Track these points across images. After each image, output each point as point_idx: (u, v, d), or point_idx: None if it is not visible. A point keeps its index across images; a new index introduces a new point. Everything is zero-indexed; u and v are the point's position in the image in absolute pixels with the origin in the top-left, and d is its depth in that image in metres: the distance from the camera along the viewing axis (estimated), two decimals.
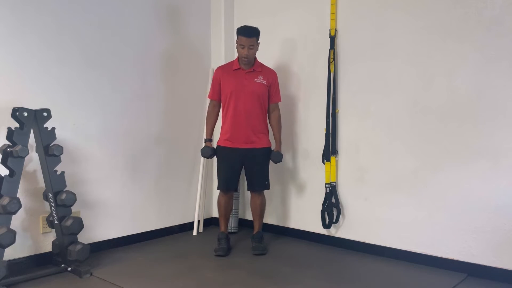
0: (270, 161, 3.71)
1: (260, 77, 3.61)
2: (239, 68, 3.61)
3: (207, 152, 3.69)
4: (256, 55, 3.64)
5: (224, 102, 3.63)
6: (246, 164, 3.64)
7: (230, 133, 3.59)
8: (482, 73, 3.06)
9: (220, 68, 3.71)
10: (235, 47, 3.64)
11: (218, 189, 3.75)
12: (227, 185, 3.69)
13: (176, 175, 4.22)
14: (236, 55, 3.71)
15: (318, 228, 3.86)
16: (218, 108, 3.72)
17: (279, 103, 3.76)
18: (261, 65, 3.70)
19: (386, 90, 3.48)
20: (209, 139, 3.73)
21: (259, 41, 3.59)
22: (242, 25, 3.60)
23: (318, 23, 3.79)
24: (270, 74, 3.69)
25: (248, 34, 3.50)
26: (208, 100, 3.81)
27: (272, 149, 3.72)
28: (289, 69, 4.05)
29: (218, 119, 3.75)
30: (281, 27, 4.08)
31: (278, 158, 3.67)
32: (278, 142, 3.73)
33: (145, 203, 3.99)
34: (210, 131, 3.73)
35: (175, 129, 4.19)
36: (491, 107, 3.03)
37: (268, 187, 3.75)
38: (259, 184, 3.70)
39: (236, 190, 3.84)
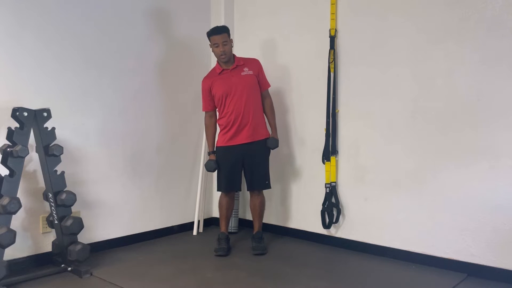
0: (270, 158, 3.71)
1: (246, 69, 3.60)
2: (223, 70, 3.59)
3: (212, 166, 3.66)
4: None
5: (219, 105, 3.61)
6: (246, 160, 3.62)
7: (228, 132, 3.59)
8: (482, 73, 3.05)
9: (206, 78, 3.68)
10: (211, 51, 3.62)
11: (218, 190, 3.74)
12: (230, 185, 3.68)
13: (176, 175, 4.22)
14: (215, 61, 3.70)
15: (318, 228, 3.86)
16: (215, 118, 3.72)
17: (268, 90, 3.77)
18: (242, 58, 3.69)
19: (386, 90, 3.48)
20: (212, 152, 3.70)
21: (231, 38, 3.59)
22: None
23: (318, 23, 3.79)
24: (254, 63, 3.68)
25: (218, 32, 3.51)
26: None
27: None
28: (288, 69, 4.04)
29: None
30: (281, 27, 4.07)
31: (274, 143, 3.66)
32: (274, 128, 3.73)
33: (145, 203, 3.99)
34: (212, 143, 3.71)
35: (175, 129, 4.19)
36: (491, 107, 3.03)
37: (268, 187, 3.74)
38: (259, 183, 3.69)
39: (239, 189, 3.81)
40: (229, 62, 3.59)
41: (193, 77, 4.24)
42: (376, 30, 3.50)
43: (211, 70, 3.72)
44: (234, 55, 3.65)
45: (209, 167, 3.69)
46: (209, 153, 3.74)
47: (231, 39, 3.59)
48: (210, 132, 3.72)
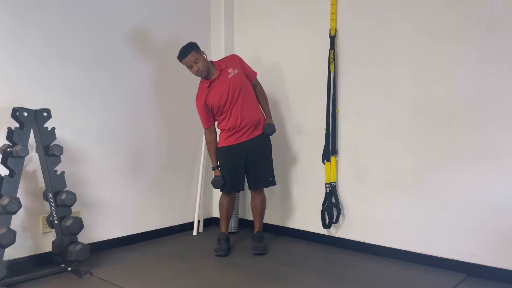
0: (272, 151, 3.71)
1: (230, 70, 3.57)
2: (210, 81, 3.55)
3: (219, 183, 3.61)
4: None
5: (218, 113, 3.60)
6: (249, 157, 3.60)
7: (229, 132, 3.59)
8: (482, 73, 3.05)
9: (198, 96, 3.64)
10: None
11: (221, 190, 3.72)
12: (234, 185, 3.67)
13: (176, 175, 4.22)
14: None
15: (318, 228, 3.86)
16: (215, 134, 3.70)
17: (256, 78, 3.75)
18: (221, 61, 3.66)
19: (386, 90, 3.48)
20: (217, 167, 3.68)
21: (201, 50, 3.51)
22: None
23: (318, 23, 3.79)
24: (234, 60, 3.65)
25: (184, 55, 3.44)
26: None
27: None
28: (288, 69, 4.04)
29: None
30: (281, 27, 4.07)
31: (271, 129, 3.64)
32: (268, 114, 3.73)
33: (145, 203, 3.99)
34: (215, 158, 3.68)
35: (175, 129, 4.19)
36: (491, 107, 3.02)
37: (273, 183, 3.73)
38: (263, 180, 3.68)
39: (242, 189, 3.80)
40: (210, 73, 3.55)
41: (193, 77, 4.24)
42: (376, 30, 3.50)
43: (200, 87, 3.65)
44: (212, 63, 3.60)
45: (216, 184, 3.64)
46: (213, 169, 3.72)
47: (202, 51, 3.51)
48: (211, 148, 3.69)
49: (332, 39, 3.70)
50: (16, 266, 3.14)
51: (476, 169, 3.09)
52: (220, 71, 3.56)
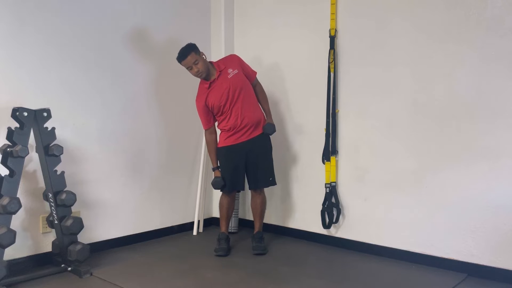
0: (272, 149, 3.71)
1: (230, 70, 3.56)
2: (210, 82, 3.55)
3: (219, 184, 3.61)
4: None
5: (219, 114, 3.59)
6: (249, 157, 3.60)
7: (229, 132, 3.59)
8: (482, 73, 3.05)
9: (198, 97, 3.63)
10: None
11: (221, 190, 3.71)
12: (234, 185, 3.67)
13: (176, 175, 4.22)
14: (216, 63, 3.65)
15: (318, 228, 3.86)
16: (215, 134, 3.69)
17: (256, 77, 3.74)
18: (220, 61, 3.65)
19: (386, 90, 3.48)
20: (217, 167, 3.68)
21: (201, 51, 3.50)
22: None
23: (318, 23, 3.79)
24: (233, 61, 3.64)
25: (184, 56, 3.44)
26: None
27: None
28: (288, 69, 4.04)
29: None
30: (281, 27, 4.07)
31: (271, 128, 3.63)
32: (268, 113, 3.72)
33: (145, 203, 3.99)
34: (215, 159, 3.68)
35: (175, 129, 4.19)
36: (491, 107, 3.03)
37: (273, 183, 3.72)
38: (263, 180, 3.68)
39: (242, 189, 3.80)
40: (209, 74, 3.54)
41: (193, 77, 4.24)
42: (376, 30, 3.50)
43: (200, 87, 3.64)
44: (211, 63, 3.59)
45: (216, 185, 3.64)
46: (213, 169, 3.71)
47: (201, 52, 3.51)
48: (212, 148, 3.68)
49: (332, 39, 3.70)
50: (16, 266, 3.14)
51: (476, 169, 3.09)
52: (220, 71, 3.56)
